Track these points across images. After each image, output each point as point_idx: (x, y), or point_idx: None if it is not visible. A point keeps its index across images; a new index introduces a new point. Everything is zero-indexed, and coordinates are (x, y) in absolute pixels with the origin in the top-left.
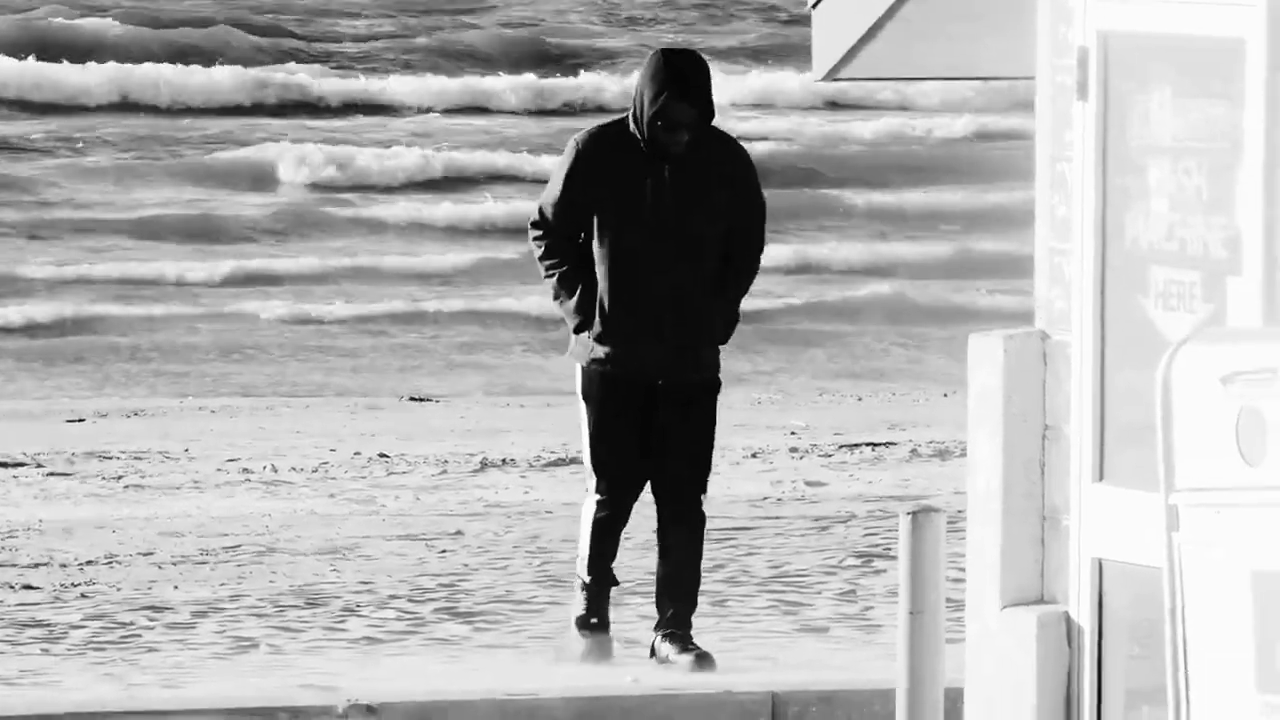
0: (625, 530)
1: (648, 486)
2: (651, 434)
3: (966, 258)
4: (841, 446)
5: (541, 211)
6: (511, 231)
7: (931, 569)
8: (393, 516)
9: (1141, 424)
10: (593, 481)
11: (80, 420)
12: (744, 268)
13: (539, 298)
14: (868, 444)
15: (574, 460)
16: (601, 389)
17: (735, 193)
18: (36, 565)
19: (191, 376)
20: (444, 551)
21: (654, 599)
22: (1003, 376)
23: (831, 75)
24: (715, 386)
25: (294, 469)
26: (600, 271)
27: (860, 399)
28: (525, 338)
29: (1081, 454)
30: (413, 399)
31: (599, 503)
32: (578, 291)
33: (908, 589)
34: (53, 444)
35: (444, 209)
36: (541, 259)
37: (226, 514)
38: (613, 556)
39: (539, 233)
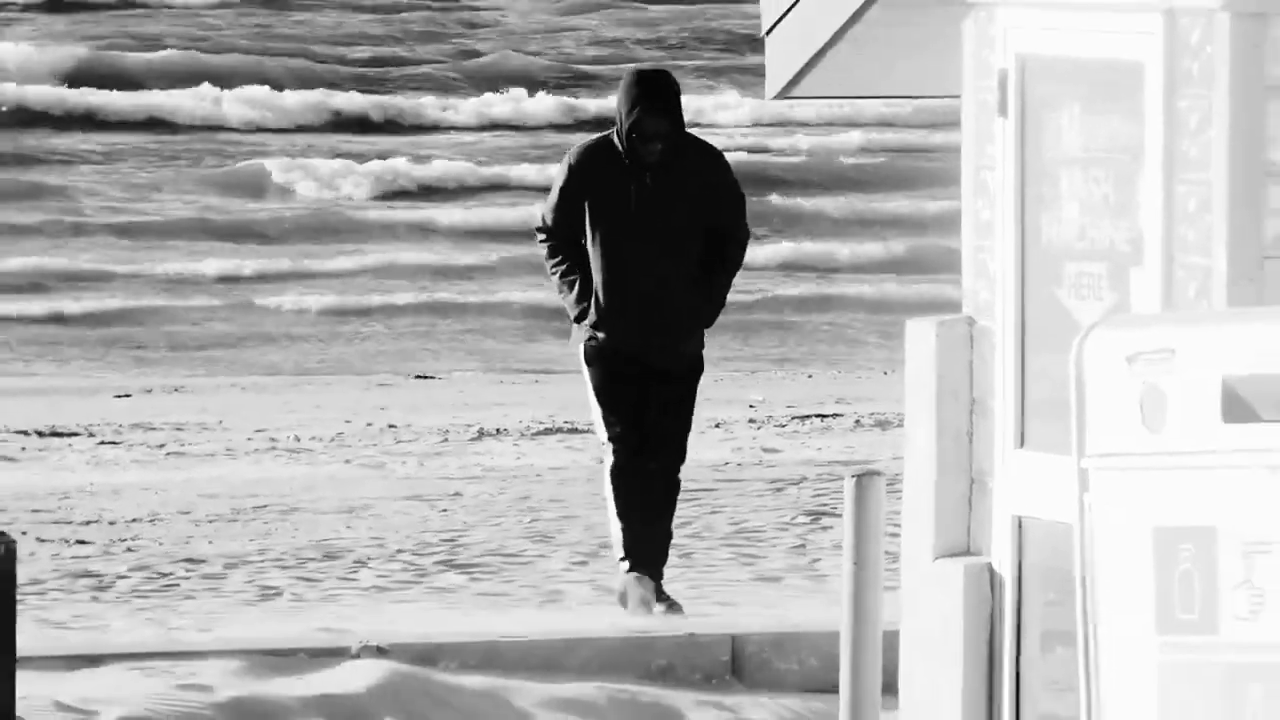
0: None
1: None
2: (647, 400)
3: (901, 256)
4: (794, 418)
5: (544, 218)
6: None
7: (873, 525)
8: (400, 480)
9: (1056, 398)
10: (604, 436)
11: (127, 396)
12: (730, 257)
13: (535, 291)
14: (817, 415)
15: (559, 430)
16: (599, 358)
17: (716, 194)
18: (88, 523)
19: (225, 359)
20: (445, 510)
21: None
22: (935, 357)
23: (782, 94)
24: (698, 371)
25: (314, 438)
26: (595, 268)
27: (810, 376)
28: (519, 325)
29: (1004, 424)
30: (418, 377)
31: (615, 451)
32: (577, 285)
33: (851, 543)
34: (103, 416)
35: (461, 214)
36: (547, 258)
37: (255, 478)
38: (644, 497)
39: (543, 236)
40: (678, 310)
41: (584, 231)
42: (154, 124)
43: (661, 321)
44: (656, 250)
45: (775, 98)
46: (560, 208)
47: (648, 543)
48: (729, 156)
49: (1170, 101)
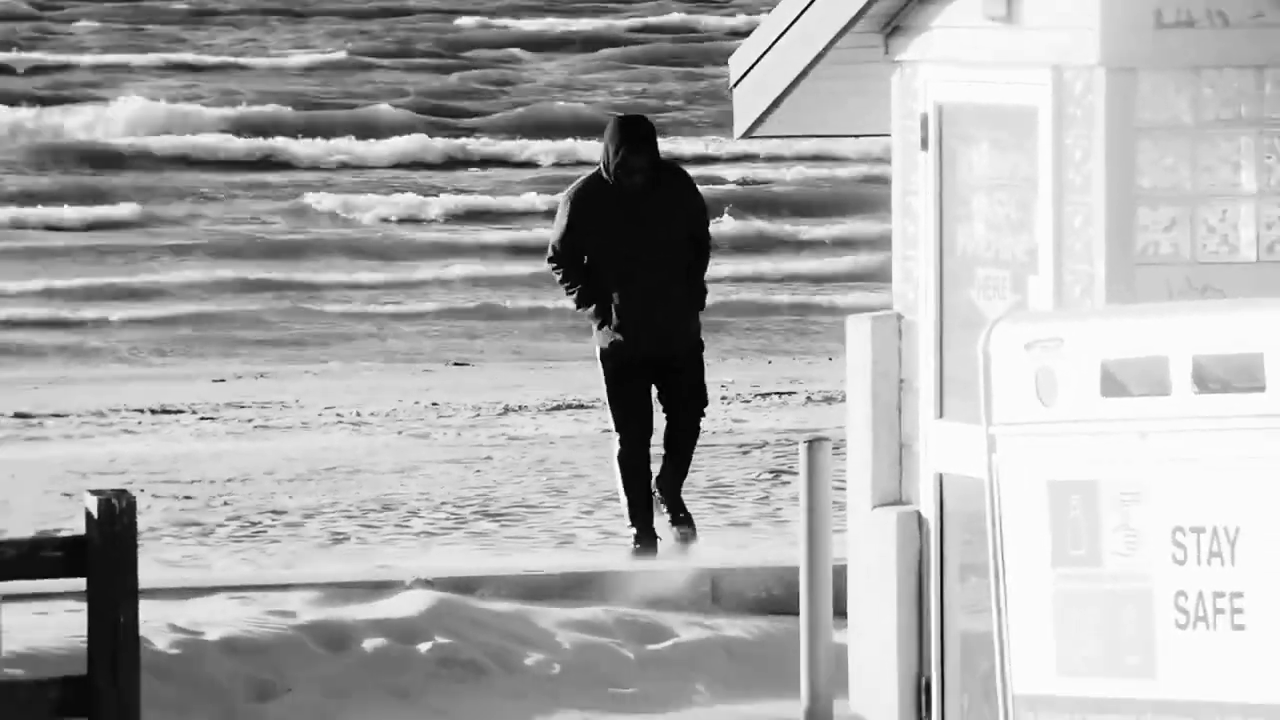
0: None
1: (658, 431)
2: (662, 389)
3: (842, 267)
4: (757, 395)
5: (553, 248)
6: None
7: (822, 481)
8: (442, 446)
9: (968, 378)
10: (613, 425)
11: (222, 380)
12: (703, 253)
13: (550, 298)
14: (776, 393)
15: (570, 406)
16: (614, 364)
17: (688, 209)
18: (192, 482)
19: (301, 350)
20: (478, 471)
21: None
22: (871, 346)
23: (747, 134)
24: (699, 348)
25: (372, 414)
26: (606, 281)
27: (770, 362)
28: (541, 322)
29: (926, 399)
30: (456, 364)
31: (620, 441)
32: (592, 301)
33: (805, 495)
34: (203, 397)
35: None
36: (560, 282)
37: (325, 445)
38: (646, 479)
39: (554, 264)
40: (677, 304)
41: (587, 253)
42: (267, 164)
43: (666, 317)
44: (651, 261)
45: (740, 137)
46: (565, 239)
47: (647, 510)
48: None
49: (1059, 139)
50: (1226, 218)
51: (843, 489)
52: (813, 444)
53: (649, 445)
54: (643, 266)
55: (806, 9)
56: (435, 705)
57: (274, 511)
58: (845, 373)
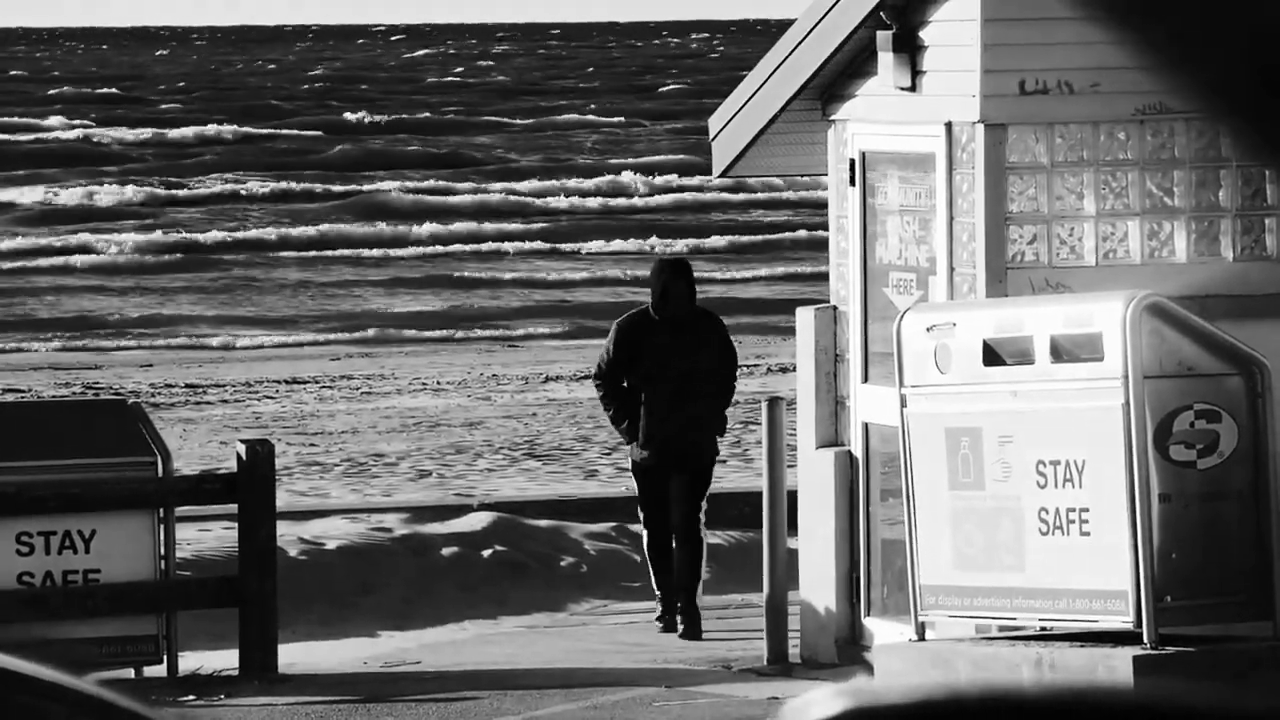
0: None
1: None
2: (675, 494)
3: (793, 272)
4: None
5: (600, 368)
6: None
7: (780, 430)
8: (499, 406)
9: (886, 352)
10: (642, 522)
11: (336, 359)
12: (728, 389)
13: (590, 295)
14: (745, 365)
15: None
16: (644, 477)
17: (716, 349)
18: (315, 434)
19: (393, 341)
20: (526, 424)
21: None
22: (814, 330)
23: (724, 174)
24: (713, 462)
25: (448, 381)
26: (642, 402)
27: (740, 342)
28: (572, 319)
29: (855, 368)
30: (509, 344)
31: (648, 534)
32: (626, 422)
33: (766, 439)
34: (323, 371)
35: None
36: (601, 399)
37: (413, 405)
38: (670, 562)
39: (598, 382)
40: (701, 431)
41: (629, 378)
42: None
43: (690, 440)
44: (683, 390)
45: (718, 176)
46: (611, 363)
47: (674, 595)
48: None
49: (950, 176)
50: (1074, 233)
51: (794, 435)
52: (772, 402)
53: (671, 538)
54: (677, 392)
55: (765, 83)
56: (492, 596)
57: (376, 455)
58: (796, 349)
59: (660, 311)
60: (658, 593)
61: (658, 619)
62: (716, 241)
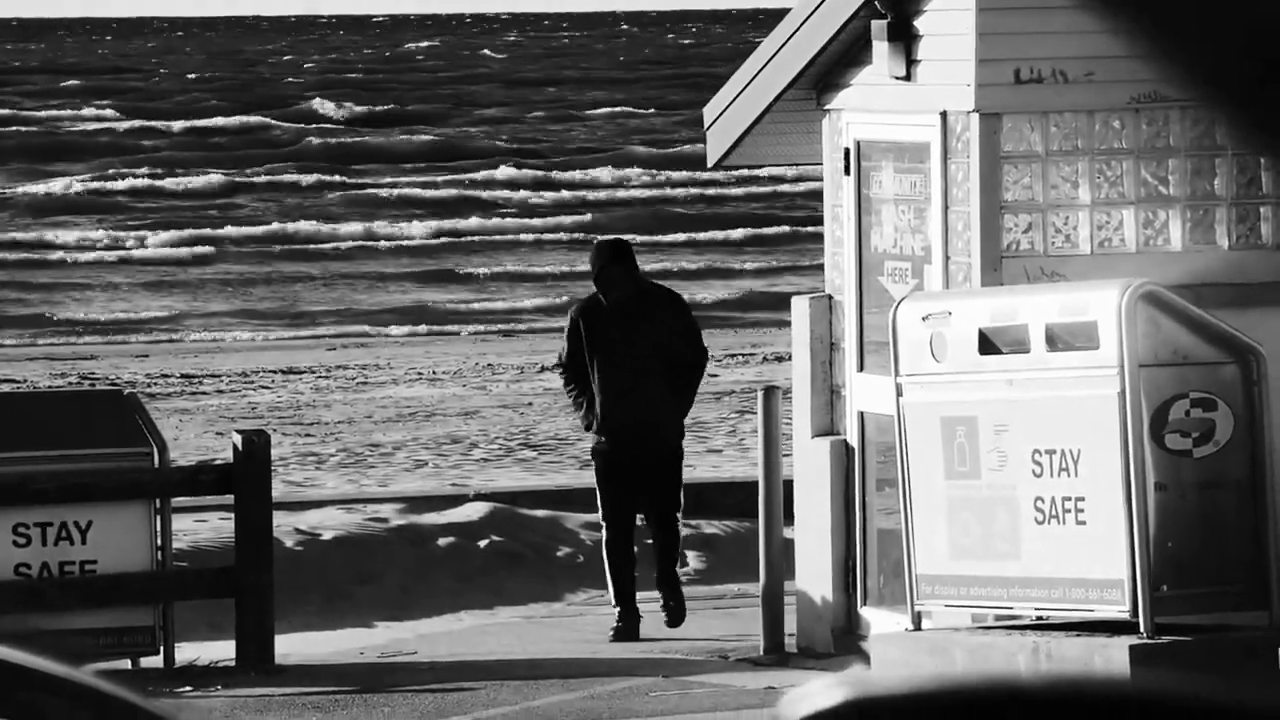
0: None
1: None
2: (640, 487)
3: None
4: (726, 355)
5: (560, 357)
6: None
7: (776, 418)
8: (494, 395)
9: (881, 341)
10: (600, 517)
11: (334, 349)
12: (694, 368)
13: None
14: (741, 354)
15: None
16: (601, 465)
17: (674, 327)
18: (311, 423)
19: (390, 329)
20: (522, 413)
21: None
22: (809, 319)
23: (718, 165)
24: (679, 453)
25: (444, 371)
26: (596, 389)
27: (735, 331)
28: (569, 308)
29: (850, 357)
30: (504, 335)
31: (606, 529)
32: (585, 406)
33: (762, 428)
34: (319, 361)
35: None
36: (564, 386)
37: (409, 395)
38: (630, 566)
39: (560, 370)
40: (658, 415)
41: (587, 363)
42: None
43: (646, 426)
44: (637, 371)
45: (712, 168)
46: (569, 350)
47: (631, 598)
48: None
49: (945, 165)
50: (1069, 222)
51: (790, 424)
52: (768, 391)
53: (632, 538)
54: (628, 376)
55: (759, 73)
56: (489, 586)
57: (372, 445)
58: (791, 338)
59: (605, 296)
60: (613, 602)
61: (618, 620)
62: (728, 234)
